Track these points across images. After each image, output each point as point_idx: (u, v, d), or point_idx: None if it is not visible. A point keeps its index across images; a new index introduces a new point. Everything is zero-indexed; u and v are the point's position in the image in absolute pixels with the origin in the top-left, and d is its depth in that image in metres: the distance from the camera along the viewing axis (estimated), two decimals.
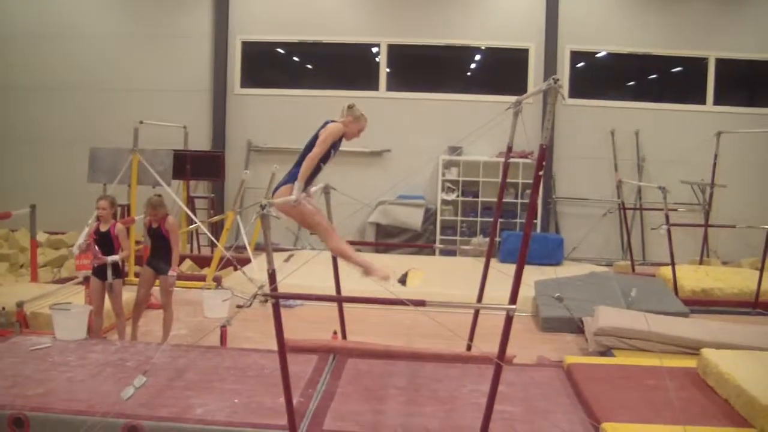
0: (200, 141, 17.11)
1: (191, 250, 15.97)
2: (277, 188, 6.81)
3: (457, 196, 17.33)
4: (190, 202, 15.71)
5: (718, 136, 15.30)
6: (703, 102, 17.71)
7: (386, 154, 17.53)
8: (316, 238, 8.22)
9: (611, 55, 17.92)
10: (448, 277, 13.55)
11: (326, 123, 6.85)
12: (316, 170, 6.78)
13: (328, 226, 6.93)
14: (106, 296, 8.96)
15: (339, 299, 8.83)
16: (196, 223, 13.92)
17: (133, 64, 17.70)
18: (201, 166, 15.27)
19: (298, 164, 6.67)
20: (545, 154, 5.06)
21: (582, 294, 11.67)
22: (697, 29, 17.51)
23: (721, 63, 17.65)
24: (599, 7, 17.60)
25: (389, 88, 17.74)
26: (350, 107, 6.97)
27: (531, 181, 16.66)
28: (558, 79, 4.89)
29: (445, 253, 16.78)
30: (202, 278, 13.05)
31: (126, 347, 8.14)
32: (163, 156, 13.88)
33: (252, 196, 15.47)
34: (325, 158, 6.81)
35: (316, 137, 6.75)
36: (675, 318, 10.60)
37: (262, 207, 5.18)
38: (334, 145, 6.87)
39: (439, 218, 17.28)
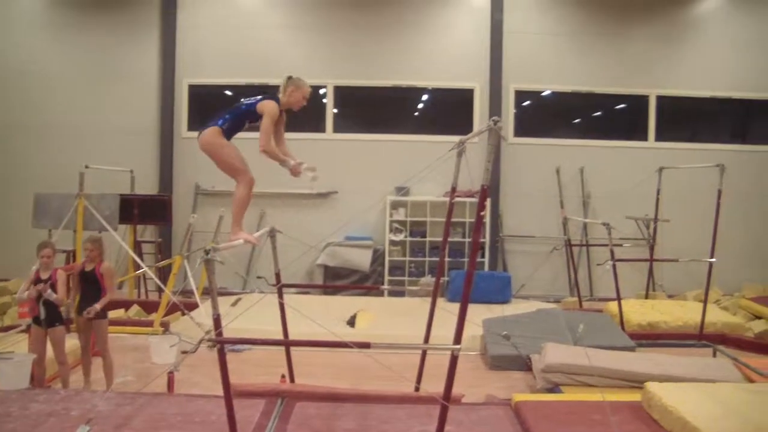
0: (147, 185, 17.03)
1: (138, 295, 15.80)
2: (201, 130, 7.19)
3: (405, 236, 17.38)
4: (137, 246, 15.57)
5: (660, 171, 15.54)
6: (645, 138, 18.03)
7: (333, 195, 17.54)
8: (264, 282, 8.22)
9: (556, 94, 18.20)
10: (397, 318, 13.59)
11: (263, 98, 7.14)
12: (239, 126, 7.25)
13: (243, 174, 7.21)
14: (49, 344, 8.84)
15: (285, 343, 8.76)
16: (143, 268, 13.80)
17: (78, 106, 17.56)
18: (148, 210, 15.21)
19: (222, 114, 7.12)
20: (486, 194, 5.11)
21: (530, 331, 11.73)
22: (638, 68, 17.87)
23: (661, 100, 18.01)
24: (543, 47, 17.88)
25: (336, 130, 17.82)
26: (289, 78, 7.32)
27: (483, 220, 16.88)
28: (498, 120, 4.96)
29: (394, 293, 16.81)
30: (150, 324, 12.92)
31: (70, 396, 7.99)
32: (109, 200, 13.80)
33: (200, 240, 15.43)
34: (251, 120, 7.24)
35: (249, 108, 7.17)
36: (621, 352, 10.72)
37: (206, 252, 5.18)
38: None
39: (387, 259, 17.28)
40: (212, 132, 6.98)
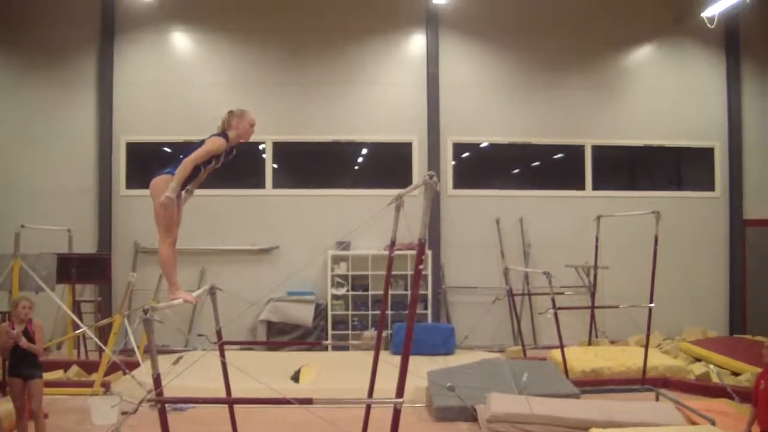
0: (86, 243, 16.79)
1: (78, 356, 15.50)
2: (155, 175, 6.91)
3: (347, 290, 17.33)
4: (75, 306, 15.31)
5: (598, 219, 15.75)
6: (582, 187, 18.29)
7: (275, 250, 17.47)
8: (206, 339, 8.16)
9: (494, 145, 18.41)
10: (341, 372, 13.52)
11: (211, 136, 7.06)
12: (194, 173, 6.94)
13: (166, 233, 6.96)
14: None
15: (226, 401, 8.62)
16: (82, 327, 13.56)
17: (15, 166, 17.35)
18: (87, 270, 14.98)
19: (178, 163, 6.78)
20: (423, 248, 5.16)
21: (474, 382, 11.74)
22: (574, 118, 18.24)
23: (597, 149, 18.34)
24: (479, 100, 18.17)
25: (276, 185, 17.79)
26: (230, 112, 7.31)
27: (425, 272, 16.89)
28: (433, 175, 5.02)
29: (338, 347, 16.72)
30: (90, 384, 12.66)
31: None
32: (46, 260, 13.57)
33: (140, 298, 15.24)
34: (205, 164, 6.98)
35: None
36: (566, 400, 10.81)
37: (145, 312, 5.13)
38: (217, 158, 7.05)
39: (330, 313, 17.19)
40: (161, 179, 6.84)
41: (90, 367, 13.99)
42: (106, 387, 12.45)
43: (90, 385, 12.63)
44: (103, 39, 17.46)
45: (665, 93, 18.60)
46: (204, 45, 17.93)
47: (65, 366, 13.95)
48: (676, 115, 18.59)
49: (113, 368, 12.75)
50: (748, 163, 18.73)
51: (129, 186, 17.45)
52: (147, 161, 17.69)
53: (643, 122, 18.49)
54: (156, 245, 13.31)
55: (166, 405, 5.52)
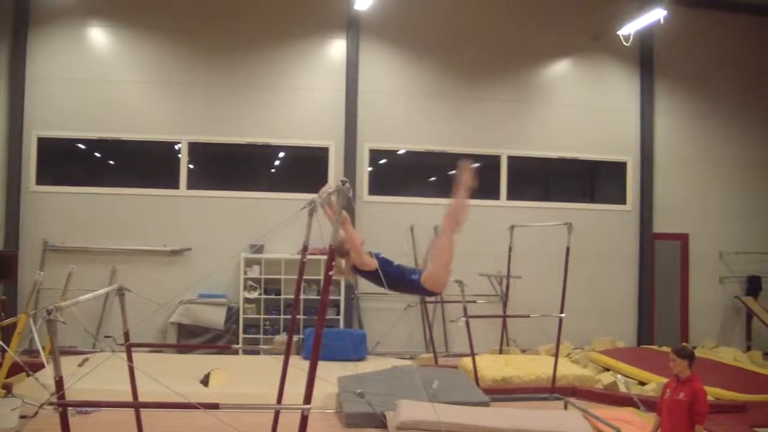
0: None
1: None
2: None
3: (260, 294, 17.21)
4: None
5: (511, 229, 15.92)
6: (497, 197, 18.45)
7: (187, 252, 17.26)
8: (113, 341, 8.02)
9: (412, 153, 18.50)
10: (252, 376, 13.43)
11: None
12: None
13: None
14: None
15: (130, 405, 8.40)
16: None
17: None
18: None
19: None
20: (334, 254, 5.15)
21: (385, 388, 11.77)
22: (490, 128, 18.45)
23: (512, 160, 18.52)
24: (397, 107, 18.27)
25: (190, 186, 17.57)
26: None
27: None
28: (346, 181, 5.03)
29: (249, 351, 16.58)
30: None
31: None
32: None
33: (48, 297, 14.89)
34: None
35: None
36: (475, 407, 10.89)
37: (48, 312, 5.01)
38: None
39: (242, 316, 17.05)
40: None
41: None
42: (8, 389, 12.12)
43: None
44: (16, 31, 16.99)
45: (581, 107, 18.94)
46: (123, 42, 17.61)
47: None
48: (591, 129, 18.96)
49: (17, 369, 12.44)
50: (658, 179, 19.15)
51: (39, 182, 16.99)
52: (59, 157, 17.38)
53: (559, 135, 18.80)
54: (66, 244, 13.04)
55: (70, 408, 5.39)
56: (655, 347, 17.38)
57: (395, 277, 6.59)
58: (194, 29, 17.70)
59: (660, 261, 19.20)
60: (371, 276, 6.58)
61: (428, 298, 16.69)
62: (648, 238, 19.03)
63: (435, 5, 18.35)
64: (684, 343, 10.11)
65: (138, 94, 17.28)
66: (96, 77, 17.34)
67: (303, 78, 18.07)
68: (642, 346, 18.02)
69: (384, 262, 6.64)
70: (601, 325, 18.30)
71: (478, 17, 18.62)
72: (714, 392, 12.39)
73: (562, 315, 13.41)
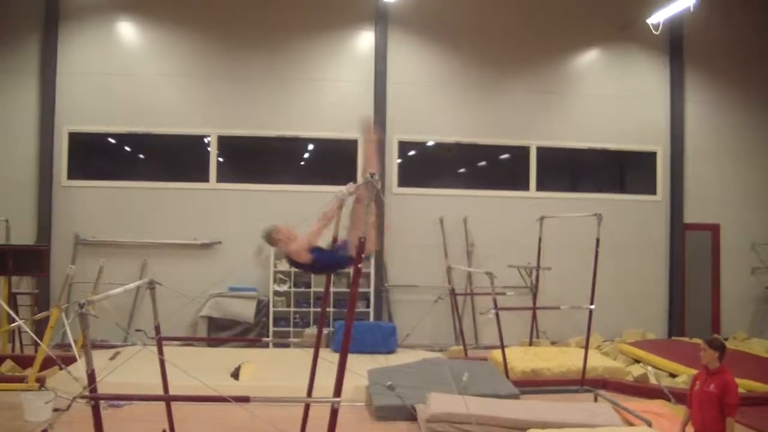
0: (24, 235, 16.46)
1: (12, 350, 15.20)
2: None
3: (290, 287, 17.25)
4: (11, 298, 15.01)
5: (540, 220, 15.86)
6: (527, 188, 18.39)
7: (217, 245, 17.33)
8: (144, 335, 8.05)
9: (441, 144, 18.44)
10: (282, 369, 13.46)
11: None
12: None
13: None
14: None
15: (161, 398, 8.41)
16: (17, 321, 13.28)
17: None
18: (24, 261, 14.67)
19: None
20: (364, 246, 5.14)
21: (415, 381, 11.76)
22: (519, 120, 18.33)
23: (542, 151, 18.43)
24: (427, 98, 18.19)
25: (220, 180, 17.62)
26: None
27: (366, 271, 16.89)
28: (374, 174, 5.01)
29: (279, 344, 16.61)
30: (23, 379, 12.42)
31: None
32: None
33: (80, 291, 15.02)
34: None
35: None
36: (505, 400, 10.86)
37: (80, 306, 5.03)
38: None
39: (271, 309, 17.10)
40: None
41: (25, 361, 13.73)
42: (41, 383, 12.22)
43: (23, 380, 12.40)
44: (47, 27, 17.12)
45: (610, 97, 18.80)
46: (151, 36, 17.69)
47: None
48: (621, 119, 18.81)
49: (49, 363, 12.54)
50: (689, 169, 18.98)
51: (71, 176, 17.12)
52: (90, 151, 17.49)
53: (588, 125, 18.68)
54: (98, 238, 13.08)
55: (102, 402, 5.42)
56: (686, 339, 17.28)
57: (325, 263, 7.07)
58: (222, 22, 17.74)
59: (691, 252, 19.03)
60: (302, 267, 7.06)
61: (458, 290, 16.68)
62: (678, 229, 18.88)
63: None
64: (715, 335, 10.04)
65: (167, 88, 17.37)
66: (125, 72, 17.43)
67: (331, 70, 18.07)
68: (672, 338, 17.90)
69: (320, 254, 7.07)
70: (631, 316, 18.21)
71: (506, 7, 18.53)
72: (745, 384, 12.29)
73: (592, 307, 13.33)
